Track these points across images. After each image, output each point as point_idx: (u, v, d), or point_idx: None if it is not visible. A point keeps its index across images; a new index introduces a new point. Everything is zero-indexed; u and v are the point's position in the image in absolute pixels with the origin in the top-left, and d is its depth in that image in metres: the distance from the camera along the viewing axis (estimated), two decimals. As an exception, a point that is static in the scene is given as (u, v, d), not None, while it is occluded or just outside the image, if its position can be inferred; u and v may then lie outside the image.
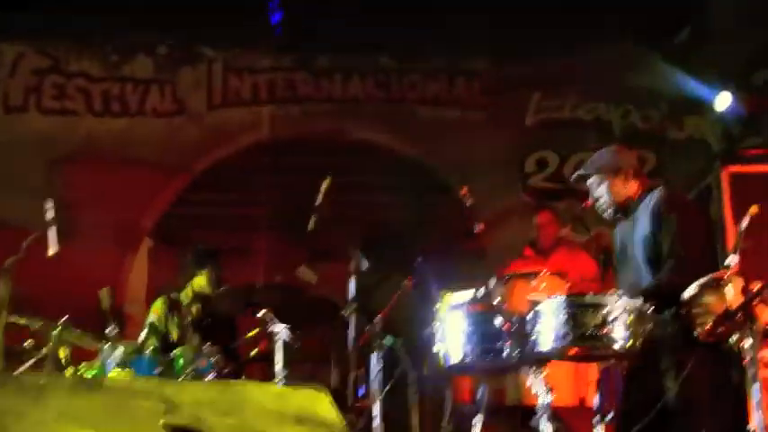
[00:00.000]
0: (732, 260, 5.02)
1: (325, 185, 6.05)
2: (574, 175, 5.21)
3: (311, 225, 6.00)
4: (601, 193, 5.11)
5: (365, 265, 6.23)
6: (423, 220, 8.52)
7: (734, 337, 4.80)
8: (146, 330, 5.97)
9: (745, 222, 5.20)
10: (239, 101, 9.09)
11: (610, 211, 5.15)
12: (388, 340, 5.15)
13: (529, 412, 4.88)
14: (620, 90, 9.13)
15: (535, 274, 5.37)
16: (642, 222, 4.99)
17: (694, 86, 8.49)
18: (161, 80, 9.03)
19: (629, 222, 5.10)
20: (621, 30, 8.57)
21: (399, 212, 8.82)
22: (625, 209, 5.12)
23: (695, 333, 4.98)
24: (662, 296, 4.66)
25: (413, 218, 8.66)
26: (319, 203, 6.02)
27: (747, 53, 8.38)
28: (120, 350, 5.25)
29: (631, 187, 5.10)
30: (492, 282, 5.08)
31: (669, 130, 9.17)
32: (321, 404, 3.38)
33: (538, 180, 9.19)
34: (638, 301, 4.62)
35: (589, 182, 5.13)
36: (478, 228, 6.24)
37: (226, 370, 5.90)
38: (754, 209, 5.40)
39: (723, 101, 7.91)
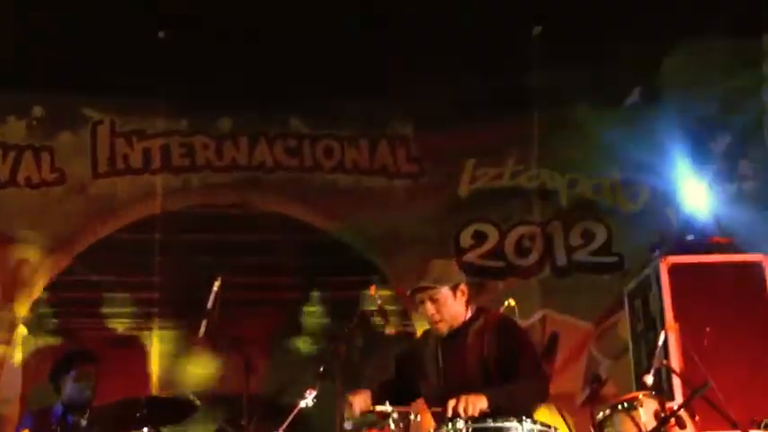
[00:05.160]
0: (647, 380, 5.86)
1: (216, 286, 6.71)
2: (416, 286, 5.93)
3: (201, 331, 6.68)
4: (438, 307, 5.88)
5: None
6: (341, 310, 9.15)
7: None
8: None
9: (660, 340, 6.04)
10: (128, 169, 9.77)
11: (444, 328, 5.92)
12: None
13: None
14: (566, 156, 9.96)
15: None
16: (482, 343, 5.82)
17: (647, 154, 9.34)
18: (36, 146, 9.67)
19: (456, 342, 5.90)
20: (566, 91, 9.39)
21: (313, 300, 9.54)
22: (457, 327, 5.93)
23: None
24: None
25: (328, 307, 9.36)
26: (210, 307, 6.68)
27: (704, 117, 9.30)
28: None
29: (464, 306, 5.96)
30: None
31: (621, 202, 10.00)
32: None
33: (475, 256, 9.92)
34: (542, 426, 5.39)
35: (429, 293, 5.88)
36: (388, 330, 7.01)
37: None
38: (670, 326, 6.26)
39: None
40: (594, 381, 7.81)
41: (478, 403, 5.50)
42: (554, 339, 9.67)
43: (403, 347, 6.46)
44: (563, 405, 7.25)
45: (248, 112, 9.83)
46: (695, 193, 9.14)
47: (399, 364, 6.21)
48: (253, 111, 9.80)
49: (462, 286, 5.95)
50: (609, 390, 7.97)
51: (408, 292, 5.98)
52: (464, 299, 5.96)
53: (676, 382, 7.02)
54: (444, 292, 5.89)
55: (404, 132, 10.03)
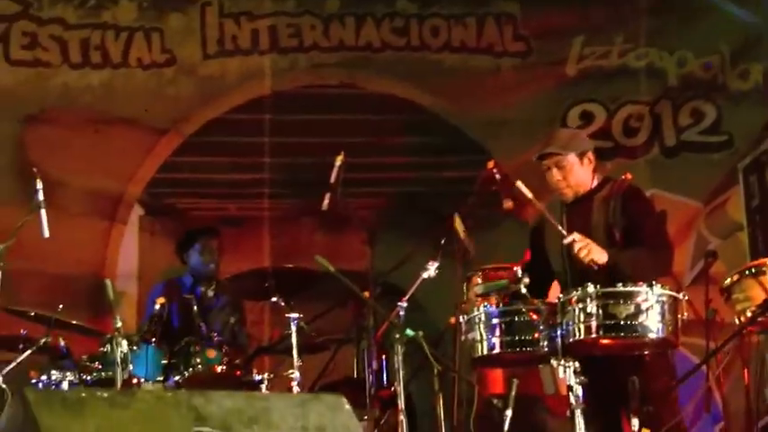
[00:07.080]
0: (774, 246, 5.96)
1: (339, 162, 6.88)
2: (543, 152, 6.08)
3: (325, 205, 6.87)
4: (565, 174, 6.02)
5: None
6: (450, 186, 9.30)
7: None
8: (148, 319, 6.89)
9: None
10: (237, 50, 9.93)
11: (570, 194, 6.06)
12: (408, 333, 6.02)
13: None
14: (675, 34, 9.93)
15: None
16: (608, 210, 5.96)
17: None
18: (147, 27, 9.86)
19: (582, 208, 6.04)
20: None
21: (423, 178, 9.71)
22: (583, 194, 6.07)
23: (735, 320, 5.95)
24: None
25: (439, 184, 9.52)
26: (333, 181, 6.87)
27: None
28: (124, 344, 6.21)
29: (590, 174, 6.10)
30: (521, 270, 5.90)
31: (731, 80, 9.97)
32: (340, 413, 4.34)
33: (582, 137, 9.97)
34: (671, 291, 5.52)
35: (555, 160, 6.02)
36: (506, 204, 7.13)
37: (237, 361, 6.86)
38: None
39: None
40: (708, 256, 7.89)
41: (598, 253, 5.70)
42: (662, 218, 9.74)
43: (529, 224, 6.57)
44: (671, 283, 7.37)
45: (356, -8, 9.94)
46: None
47: (532, 240, 6.34)
48: (360, -9, 9.92)
49: (589, 154, 6.08)
50: (717, 268, 8.06)
51: (535, 158, 6.12)
52: (591, 167, 6.09)
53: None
54: (571, 158, 6.03)
55: (511, 10, 10.05)
